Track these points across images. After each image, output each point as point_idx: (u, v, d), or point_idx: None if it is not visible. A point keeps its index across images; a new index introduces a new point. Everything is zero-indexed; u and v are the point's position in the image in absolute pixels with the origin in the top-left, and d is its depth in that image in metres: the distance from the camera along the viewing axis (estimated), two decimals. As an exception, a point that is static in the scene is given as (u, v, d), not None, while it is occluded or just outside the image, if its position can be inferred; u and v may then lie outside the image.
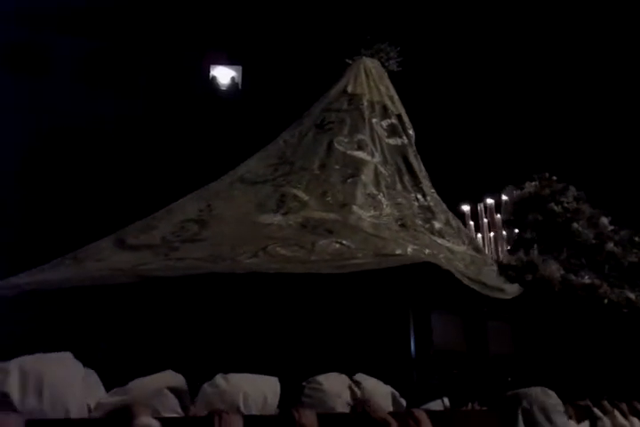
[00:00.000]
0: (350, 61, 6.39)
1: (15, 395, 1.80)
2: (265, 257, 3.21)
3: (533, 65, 8.52)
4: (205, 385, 2.30)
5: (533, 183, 5.61)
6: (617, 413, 4.84)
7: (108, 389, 2.14)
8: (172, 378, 2.22)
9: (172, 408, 2.12)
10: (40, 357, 1.93)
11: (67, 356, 2.02)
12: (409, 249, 3.46)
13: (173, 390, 2.15)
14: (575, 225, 5.21)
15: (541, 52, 8.51)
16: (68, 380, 1.92)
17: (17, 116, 11.24)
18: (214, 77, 14.76)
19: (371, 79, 5.77)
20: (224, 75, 14.96)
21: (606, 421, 4.55)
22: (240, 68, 15.03)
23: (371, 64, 6.01)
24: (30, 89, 11.92)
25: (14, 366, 1.84)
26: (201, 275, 3.06)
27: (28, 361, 1.88)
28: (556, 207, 5.21)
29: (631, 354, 5.76)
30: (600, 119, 8.74)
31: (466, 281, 3.52)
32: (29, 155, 11.16)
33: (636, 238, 6.38)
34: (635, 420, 5.13)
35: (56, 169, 11.03)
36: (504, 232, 6.58)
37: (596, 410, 4.53)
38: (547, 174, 5.71)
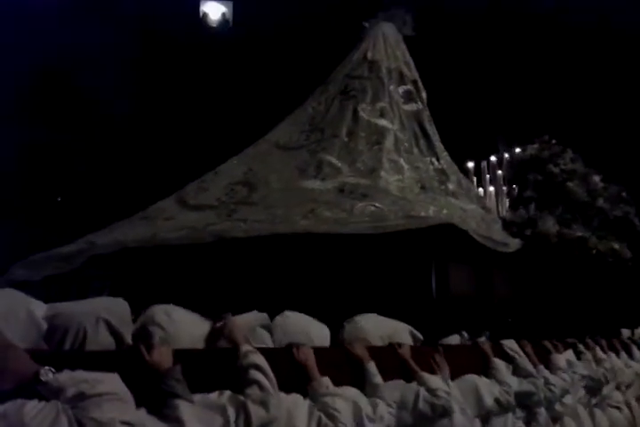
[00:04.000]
0: (367, 24, 6.74)
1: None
2: (314, 219, 3.76)
3: (538, 35, 8.85)
4: (277, 320, 2.86)
5: (534, 145, 6.15)
6: (598, 348, 5.61)
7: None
8: (260, 317, 2.80)
9: (263, 342, 2.72)
10: None
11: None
12: (430, 210, 4.04)
13: (264, 327, 2.75)
14: (570, 184, 5.79)
15: (546, 25, 8.83)
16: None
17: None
18: (205, 14, 14.53)
19: (388, 45, 6.14)
20: (215, 11, 14.68)
21: (589, 355, 5.31)
22: (231, 3, 14.81)
23: (388, 29, 6.36)
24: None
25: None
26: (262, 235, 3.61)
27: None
28: (554, 169, 5.77)
29: (614, 298, 6.51)
30: (593, 87, 9.17)
31: (478, 238, 4.12)
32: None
33: (623, 194, 7.01)
34: (612, 354, 5.91)
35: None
36: (504, 187, 7.19)
37: (580, 346, 5.28)
38: (546, 137, 6.25)
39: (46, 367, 1.78)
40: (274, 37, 10.90)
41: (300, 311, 2.98)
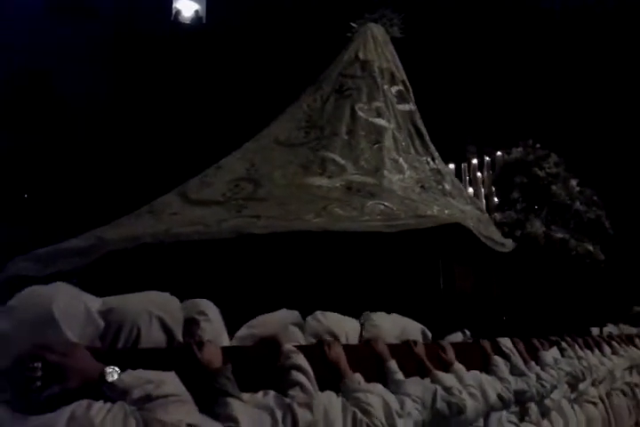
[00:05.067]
0: (355, 25, 6.78)
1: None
2: (327, 216, 3.77)
3: (518, 40, 9.07)
4: (309, 319, 2.89)
5: (519, 149, 6.32)
6: (576, 346, 5.83)
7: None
8: (291, 314, 2.81)
9: (297, 340, 2.72)
10: None
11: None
12: (435, 210, 4.10)
13: (296, 324, 2.76)
14: (554, 187, 5.98)
15: (534, 27, 9.06)
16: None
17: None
18: (178, 11, 14.45)
19: (378, 45, 6.19)
20: (187, 8, 14.63)
21: (571, 352, 5.51)
22: (204, 0, 14.74)
23: (376, 30, 6.41)
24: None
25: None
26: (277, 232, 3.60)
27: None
28: (539, 172, 5.94)
29: (586, 298, 6.76)
30: (577, 93, 9.48)
31: (482, 238, 4.21)
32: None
33: (595, 198, 7.29)
34: (588, 351, 6.15)
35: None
36: (482, 189, 7.36)
37: (563, 343, 5.47)
38: (530, 141, 6.43)
39: (111, 367, 1.75)
40: (246, 34, 10.86)
41: (314, 308, 3.00)
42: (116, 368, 1.76)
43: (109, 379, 1.73)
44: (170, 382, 1.83)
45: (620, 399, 6.75)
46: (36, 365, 1.65)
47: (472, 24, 8.89)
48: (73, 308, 1.91)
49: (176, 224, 3.78)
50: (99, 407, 1.62)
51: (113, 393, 1.71)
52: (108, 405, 1.65)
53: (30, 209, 8.79)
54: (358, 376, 2.70)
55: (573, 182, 6.64)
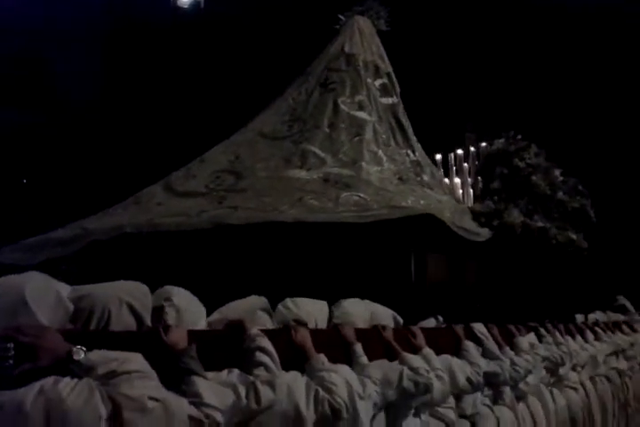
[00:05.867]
0: (342, 17, 6.90)
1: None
2: (301, 208, 3.93)
3: (502, 30, 9.15)
4: (279, 306, 3.07)
5: (501, 140, 6.45)
6: (557, 332, 5.98)
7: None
8: (260, 300, 2.98)
9: (264, 324, 2.89)
10: None
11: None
12: (409, 201, 4.26)
13: (264, 310, 2.93)
14: (534, 178, 6.12)
15: (511, 22, 9.15)
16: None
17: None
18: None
19: (364, 38, 6.31)
20: None
21: (549, 338, 5.67)
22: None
23: (363, 23, 6.53)
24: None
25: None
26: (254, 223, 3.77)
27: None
28: (520, 163, 6.07)
29: (570, 286, 6.92)
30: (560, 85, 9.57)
31: (454, 228, 4.37)
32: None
33: (579, 187, 7.41)
34: (569, 338, 6.30)
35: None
36: (469, 179, 7.48)
37: (541, 330, 5.63)
38: (512, 133, 6.56)
39: (78, 347, 1.91)
40: (244, 20, 10.88)
41: (289, 296, 3.15)
42: (83, 348, 1.92)
43: (76, 357, 1.89)
44: (134, 359, 1.99)
45: (605, 385, 6.90)
46: (8, 345, 1.83)
47: (460, 16, 8.98)
48: (44, 293, 2.08)
49: (159, 215, 3.94)
50: (66, 382, 1.78)
51: (80, 370, 1.87)
52: (75, 380, 1.81)
53: (23, 197, 8.92)
54: (323, 357, 2.86)
55: (557, 172, 6.76)
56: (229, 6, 11.05)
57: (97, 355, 1.93)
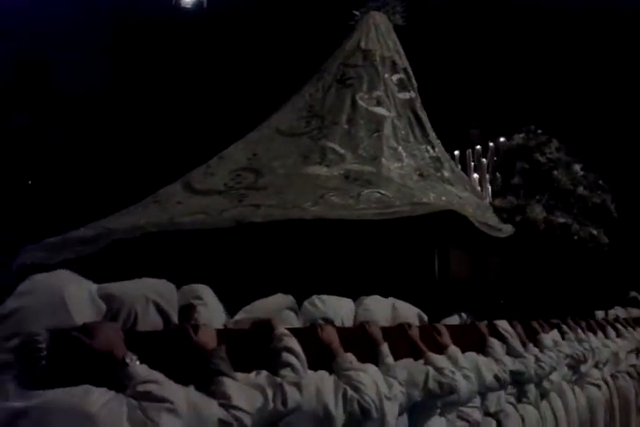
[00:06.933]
0: (357, 13, 6.84)
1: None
2: (324, 205, 3.89)
3: (520, 25, 9.05)
4: (306, 304, 3.03)
5: (521, 135, 6.37)
6: (579, 329, 5.91)
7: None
8: (286, 299, 2.94)
9: (290, 323, 2.86)
10: None
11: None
12: (431, 197, 4.20)
13: (290, 309, 2.89)
14: (555, 173, 6.03)
15: (528, 16, 9.05)
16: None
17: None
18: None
19: (380, 34, 6.25)
20: None
21: (571, 335, 5.60)
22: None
23: (379, 18, 6.47)
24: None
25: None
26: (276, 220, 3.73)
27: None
28: (540, 158, 5.99)
29: (590, 282, 6.83)
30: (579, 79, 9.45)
31: (477, 224, 4.31)
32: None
33: (600, 182, 7.32)
34: (591, 334, 6.22)
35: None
36: (487, 175, 7.42)
37: (564, 326, 5.56)
38: (532, 127, 6.47)
39: (134, 354, 1.87)
40: (247, 19, 10.81)
41: (312, 294, 3.11)
42: (135, 355, 1.87)
43: (128, 361, 1.84)
44: (174, 390, 1.87)
45: (627, 382, 6.82)
46: (42, 345, 1.80)
47: (475, 10, 8.88)
48: (80, 293, 2.05)
49: (179, 213, 3.91)
50: (99, 395, 1.72)
51: (122, 375, 1.82)
52: (110, 394, 1.74)
53: (36, 199, 8.93)
54: (350, 356, 2.81)
55: (577, 167, 6.67)
56: (230, 6, 10.99)
57: (144, 369, 1.87)
